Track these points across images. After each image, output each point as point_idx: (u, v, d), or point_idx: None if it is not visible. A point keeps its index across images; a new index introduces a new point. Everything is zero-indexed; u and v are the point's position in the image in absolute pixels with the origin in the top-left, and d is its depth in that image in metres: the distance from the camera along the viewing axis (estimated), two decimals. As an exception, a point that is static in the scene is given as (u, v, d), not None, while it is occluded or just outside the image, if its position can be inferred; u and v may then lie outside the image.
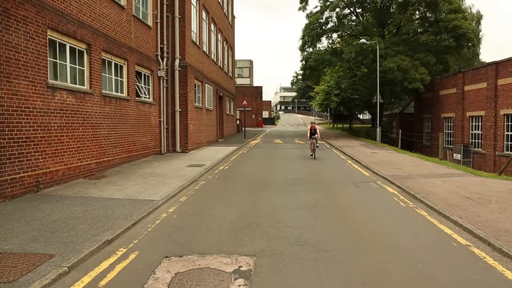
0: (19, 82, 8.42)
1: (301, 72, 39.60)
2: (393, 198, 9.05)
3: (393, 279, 4.65)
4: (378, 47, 25.97)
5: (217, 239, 5.98)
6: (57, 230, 6.07)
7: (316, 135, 16.96)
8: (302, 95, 78.67)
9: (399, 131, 25.37)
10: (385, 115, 40.09)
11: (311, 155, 17.01)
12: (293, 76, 66.45)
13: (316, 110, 78.83)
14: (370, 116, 47.69)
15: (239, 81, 58.60)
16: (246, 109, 32.00)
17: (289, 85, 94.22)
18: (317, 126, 17.55)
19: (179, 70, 17.92)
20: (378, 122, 27.00)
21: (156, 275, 4.68)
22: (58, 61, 10.06)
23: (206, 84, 22.90)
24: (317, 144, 17.31)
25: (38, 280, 4.33)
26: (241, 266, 4.93)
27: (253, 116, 53.37)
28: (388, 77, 26.56)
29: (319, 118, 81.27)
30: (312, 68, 32.92)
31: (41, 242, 5.52)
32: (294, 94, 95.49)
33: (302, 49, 34.45)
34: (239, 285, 4.40)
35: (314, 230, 6.48)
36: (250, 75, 73.82)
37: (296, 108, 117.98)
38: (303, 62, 33.52)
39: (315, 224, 6.82)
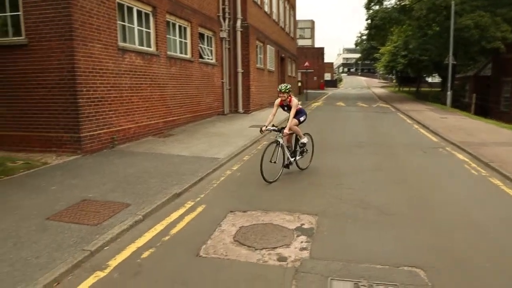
0: (93, 45, 8.91)
1: (366, 32, 37.67)
2: (464, 166, 8.59)
3: (462, 252, 4.51)
4: (453, 2, 23.87)
5: (279, 197, 6.13)
6: (131, 183, 6.55)
7: (293, 123, 7.29)
8: (366, 57, 75.30)
9: (473, 95, 23.66)
10: (457, 78, 37.31)
11: (272, 161, 6.80)
12: (357, 37, 63.37)
13: (380, 72, 75.42)
14: (439, 79, 44.74)
15: (300, 42, 57.26)
16: (307, 71, 31.43)
17: (353, 46, 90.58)
18: (294, 100, 7.32)
19: (240, 31, 17.87)
20: (449, 85, 25.28)
21: (221, 228, 4.93)
22: (126, 24, 10.45)
23: (268, 45, 22.68)
24: (303, 142, 7.66)
25: (117, 225, 4.77)
26: (303, 224, 5.04)
27: (315, 78, 52.26)
28: (463, 36, 24.44)
29: (383, 81, 77.79)
30: (378, 28, 31.20)
31: (119, 192, 6.01)
32: (357, 55, 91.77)
33: (367, 7, 32.57)
34: (302, 242, 4.52)
35: (377, 193, 6.40)
36: (312, 36, 71.72)
37: (359, 71, 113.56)
38: (369, 21, 31.79)
39: (378, 188, 6.72)
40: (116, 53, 9.73)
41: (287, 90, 7.14)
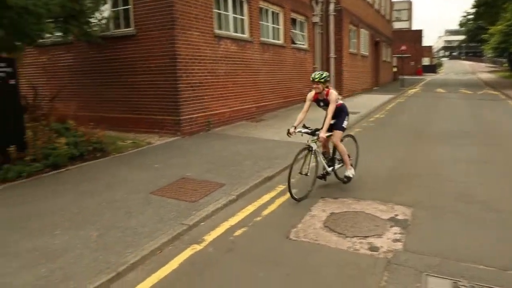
0: (191, 33, 9.40)
1: (473, 10, 34.15)
2: None
3: None
4: None
5: (372, 186, 5.95)
6: (226, 164, 6.86)
7: (337, 136, 5.72)
8: (471, 39, 68.26)
9: None
10: None
11: (303, 173, 5.41)
12: (462, 17, 57.87)
13: (488, 55, 67.99)
14: None
15: (396, 25, 53.93)
16: (404, 55, 29.63)
17: (456, 28, 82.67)
18: (333, 93, 5.52)
19: (333, 15, 17.43)
20: None
21: (312, 212, 4.94)
22: (222, 12, 10.81)
23: (362, 29, 21.82)
24: (347, 176, 5.88)
25: (213, 203, 5.04)
26: (397, 215, 4.83)
27: (412, 63, 49.07)
28: None
29: (492, 65, 70.12)
30: (488, 4, 28.15)
31: (214, 173, 6.34)
32: (461, 37, 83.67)
33: (477, -19, 29.51)
34: (395, 233, 4.34)
35: (482, 187, 5.86)
36: (409, 18, 67.03)
37: (463, 54, 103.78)
38: (478, -3, 28.78)
39: (484, 181, 6.14)
40: (212, 40, 10.15)
41: (322, 80, 5.33)
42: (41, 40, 8.47)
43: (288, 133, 5.40)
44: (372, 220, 4.69)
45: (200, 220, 4.58)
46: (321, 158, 5.68)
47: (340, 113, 5.68)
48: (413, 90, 25.27)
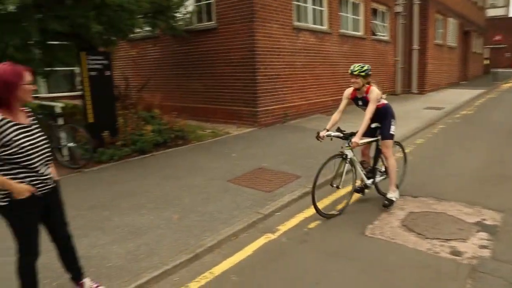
0: (271, 26, 9.48)
1: None
2: None
3: None
4: None
5: (456, 186, 5.57)
6: (302, 157, 6.87)
7: (389, 132, 4.80)
8: None
9: None
10: None
11: (334, 185, 4.76)
12: None
13: None
14: None
15: (490, 12, 49.36)
16: (498, 46, 27.06)
17: None
18: (374, 90, 4.61)
19: (419, 4, 16.43)
20: None
21: (390, 210, 4.78)
22: (301, 3, 10.73)
23: (449, 18, 20.32)
24: (389, 198, 4.78)
25: (288, 194, 5.10)
26: (485, 220, 4.48)
27: (507, 54, 44.64)
28: None
29: None
30: None
31: (290, 165, 6.39)
32: None
33: None
34: (482, 239, 4.03)
35: None
36: (507, 4, 60.92)
37: None
38: None
39: None
40: (291, 32, 10.15)
41: (362, 73, 4.47)
42: (132, 35, 9.11)
43: (318, 136, 4.65)
44: (455, 223, 4.41)
45: (275, 210, 4.66)
46: (358, 168, 4.86)
47: (385, 115, 4.77)
48: (508, 85, 23.02)
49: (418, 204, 4.95)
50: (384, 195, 4.95)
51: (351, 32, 13.16)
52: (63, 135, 6.55)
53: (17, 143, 2.49)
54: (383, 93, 4.85)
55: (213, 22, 9.86)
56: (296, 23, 10.41)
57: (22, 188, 2.53)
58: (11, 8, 5.00)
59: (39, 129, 2.71)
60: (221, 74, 9.83)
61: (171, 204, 4.86)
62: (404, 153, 5.59)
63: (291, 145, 7.76)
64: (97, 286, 3.10)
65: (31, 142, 2.58)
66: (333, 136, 4.60)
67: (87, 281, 3.10)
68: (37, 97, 8.84)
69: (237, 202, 4.89)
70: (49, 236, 2.92)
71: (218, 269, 3.53)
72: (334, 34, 11.98)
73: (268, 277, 3.38)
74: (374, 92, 4.56)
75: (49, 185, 2.73)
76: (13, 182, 2.50)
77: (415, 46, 16.67)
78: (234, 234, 4.13)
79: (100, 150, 6.73)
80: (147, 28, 8.88)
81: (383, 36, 15.47)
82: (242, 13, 9.18)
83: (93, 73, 6.72)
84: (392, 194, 4.80)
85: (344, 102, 4.87)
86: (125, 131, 7.12)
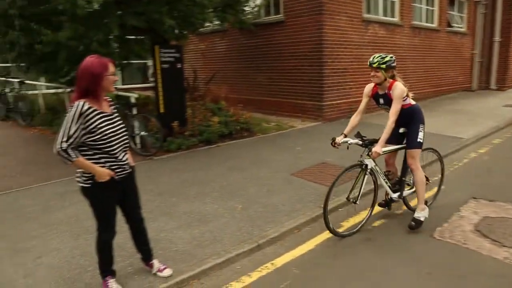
0: (339, 18, 9.27)
1: None
2: None
3: None
4: None
5: (539, 192, 5.13)
6: (366, 153, 6.70)
7: (416, 140, 4.05)
8: None
9: None
10: None
11: (351, 200, 4.07)
12: None
13: None
14: None
15: None
16: None
17: None
18: (398, 86, 3.86)
19: (504, -8, 15.12)
20: None
21: (461, 213, 4.52)
22: (371, -6, 10.38)
23: (540, 8, 18.46)
24: (417, 217, 4.10)
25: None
26: None
27: None
28: None
29: None
30: None
31: (354, 161, 6.22)
32: None
33: None
34: None
35: None
36: None
37: None
38: None
39: None
40: (360, 24, 9.86)
41: (382, 65, 3.74)
42: (201, 29, 9.40)
43: (333, 143, 3.98)
44: (538, 231, 4.07)
45: (338, 206, 4.60)
46: (382, 179, 4.15)
47: (412, 118, 4.03)
48: None
49: (495, 208, 4.62)
50: (411, 210, 4.38)
51: (424, 24, 12.48)
52: (136, 124, 6.97)
53: (101, 130, 2.69)
54: (411, 94, 4.05)
55: (280, 15, 9.86)
56: (366, 15, 10.09)
57: (103, 172, 2.73)
58: (96, 6, 5.39)
59: (119, 118, 2.91)
60: (287, 67, 9.82)
61: (235, 194, 4.99)
62: (442, 163, 4.85)
63: (356, 140, 7.58)
64: (165, 268, 3.28)
65: (113, 129, 2.77)
66: (351, 143, 3.89)
67: (155, 262, 3.30)
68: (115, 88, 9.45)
69: (300, 195, 4.90)
70: (124, 218, 3.14)
71: (279, 261, 3.57)
72: (405, 26, 11.44)
73: (328, 273, 3.36)
74: (398, 89, 3.80)
75: (126, 170, 2.92)
76: (96, 166, 2.71)
77: (497, 38, 15.39)
78: (296, 227, 4.14)
79: (169, 139, 7.06)
80: (216, 22, 9.11)
81: (459, 27, 14.48)
82: (310, 6, 9.08)
83: (165, 65, 7.05)
84: (420, 214, 4.05)
85: (364, 101, 4.15)
86: (193, 122, 7.40)
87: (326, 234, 4.04)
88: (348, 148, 3.94)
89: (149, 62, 16.98)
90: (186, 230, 4.04)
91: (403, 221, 4.33)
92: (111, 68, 2.72)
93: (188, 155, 6.85)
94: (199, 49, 12.68)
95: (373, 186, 4.29)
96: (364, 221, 4.18)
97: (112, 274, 3.07)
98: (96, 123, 2.68)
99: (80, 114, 2.61)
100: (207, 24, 8.99)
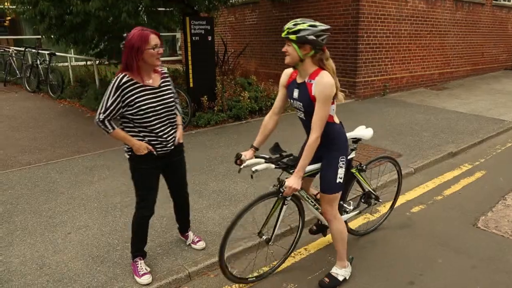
0: (378, -11, 8.75)
1: None
2: None
3: None
4: None
5: None
6: (402, 133, 6.38)
7: (334, 179, 2.66)
8: None
9: None
10: None
11: (264, 236, 2.89)
12: None
13: None
14: None
15: None
16: None
17: None
18: (324, 76, 2.39)
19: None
20: None
21: (507, 201, 4.22)
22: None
23: None
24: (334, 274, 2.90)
25: (388, 173, 4.72)
26: None
27: None
28: None
29: None
30: None
31: (390, 141, 5.97)
32: None
33: None
34: None
35: None
36: None
37: None
38: None
39: None
40: (398, -3, 9.30)
41: (292, 36, 2.39)
42: (232, 0, 9.08)
43: (238, 160, 2.70)
44: None
45: (384, 184, 4.37)
46: (310, 205, 2.95)
47: (328, 144, 2.64)
48: None
49: (545, 197, 4.29)
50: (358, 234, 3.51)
51: (467, -3, 11.70)
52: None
53: (139, 104, 2.60)
54: (341, 96, 2.57)
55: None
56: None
57: (141, 146, 2.67)
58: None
59: (168, 92, 2.78)
60: (319, 41, 9.42)
61: (266, 173, 4.78)
62: (400, 176, 3.68)
63: (391, 119, 7.24)
64: (199, 240, 3.29)
65: (153, 104, 2.66)
66: (258, 170, 2.53)
67: (190, 234, 3.33)
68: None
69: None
70: (169, 191, 3.10)
71: (312, 247, 3.42)
72: (447, 0, 10.73)
73: (367, 262, 3.18)
74: (325, 80, 2.39)
75: (169, 147, 2.82)
76: (133, 139, 2.67)
77: (547, 12, 14.32)
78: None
79: (198, 114, 6.93)
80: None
81: (507, 1, 13.52)
82: (346, -24, 8.60)
83: (195, 38, 6.84)
84: (339, 271, 2.91)
85: (280, 94, 2.78)
86: (222, 97, 7.22)
87: (363, 220, 3.84)
88: (252, 177, 2.71)
89: (178, 35, 16.83)
90: (216, 210, 3.92)
91: (444, 208, 4.07)
92: (153, 41, 2.57)
93: (217, 131, 6.70)
94: (228, 21, 12.36)
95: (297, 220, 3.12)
96: (282, 260, 3.09)
97: (143, 255, 3.01)
98: (134, 96, 2.59)
99: (118, 87, 2.55)
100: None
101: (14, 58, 11.21)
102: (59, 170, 5.02)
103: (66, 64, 10.61)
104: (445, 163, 5.32)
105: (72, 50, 10.44)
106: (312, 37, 2.36)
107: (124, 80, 2.56)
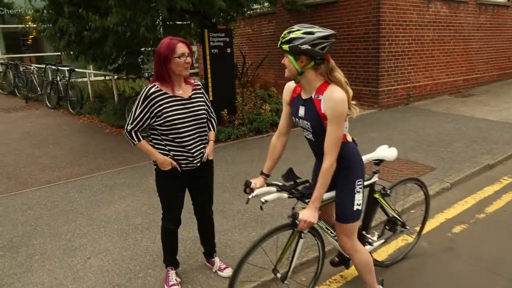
0: (400, -5, 8.51)
1: None
2: None
3: None
4: None
5: None
6: (432, 144, 6.07)
7: (351, 207, 2.33)
8: None
9: None
10: None
11: (279, 273, 2.49)
12: None
13: None
14: None
15: None
16: None
17: None
18: (335, 91, 2.05)
19: None
20: None
21: (556, 218, 3.88)
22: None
23: None
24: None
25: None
26: None
27: None
28: None
29: None
30: None
31: (420, 153, 5.67)
32: None
33: None
34: None
35: None
36: None
37: None
38: None
39: None
40: (421, 2, 9.03)
41: (285, 46, 2.07)
42: (250, 12, 8.96)
43: (247, 188, 2.43)
44: None
45: (409, 207, 4.09)
46: (330, 236, 2.58)
47: (342, 168, 2.28)
48: None
49: None
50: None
51: (492, 0, 11.32)
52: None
53: (166, 115, 2.50)
54: (356, 110, 2.20)
55: (332, -5, 9.22)
56: (424, -8, 9.23)
57: (164, 161, 2.57)
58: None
59: (198, 104, 2.64)
60: (341, 51, 9.19)
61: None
62: (427, 198, 3.26)
63: (418, 130, 6.93)
64: (225, 267, 3.05)
65: (181, 116, 2.54)
66: (267, 201, 2.20)
67: (217, 260, 3.11)
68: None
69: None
70: (193, 208, 2.97)
71: (349, 273, 3.16)
72: (470, 3, 10.40)
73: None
74: (337, 96, 2.04)
75: (195, 163, 2.67)
76: (157, 152, 2.58)
77: None
78: (362, 231, 3.69)
79: (218, 128, 6.75)
80: (266, 4, 8.63)
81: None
82: (366, -16, 8.39)
83: (214, 50, 6.70)
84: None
85: (284, 112, 2.44)
86: (243, 110, 7.04)
87: (401, 242, 3.55)
88: (262, 209, 2.22)
89: (194, 48, 16.85)
90: (242, 232, 3.70)
91: (489, 227, 3.76)
92: (180, 49, 2.45)
93: (238, 145, 6.51)
94: (245, 33, 12.25)
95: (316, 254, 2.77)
96: None
97: (174, 265, 2.95)
98: (162, 107, 2.49)
99: (146, 98, 2.49)
100: (255, 6, 8.52)
101: (35, 75, 11.31)
102: (78, 189, 4.89)
103: (85, 79, 10.63)
104: (482, 177, 4.99)
105: (91, 66, 10.47)
106: (306, 46, 2.00)
107: (152, 90, 2.49)
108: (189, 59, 2.50)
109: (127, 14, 5.51)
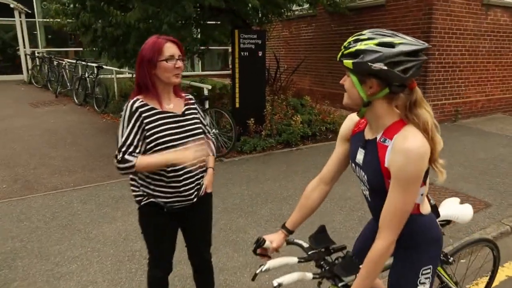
0: (454, 1, 7.67)
1: None
2: None
3: None
4: None
5: None
6: (485, 172, 5.25)
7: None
8: None
9: None
10: None
11: None
12: None
13: None
14: None
15: None
16: None
17: None
18: (415, 146, 1.29)
19: None
20: None
21: None
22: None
23: None
24: None
25: (477, 231, 3.71)
26: None
27: None
28: None
29: None
30: None
31: (471, 183, 4.88)
32: None
33: None
34: None
35: None
36: None
37: None
38: None
39: None
40: (479, 9, 8.13)
41: (347, 60, 1.38)
42: (288, 13, 8.37)
43: (258, 247, 1.67)
44: None
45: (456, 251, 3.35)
46: None
47: (409, 247, 1.56)
48: None
49: None
50: None
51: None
52: (207, 120, 6.20)
53: (157, 135, 1.92)
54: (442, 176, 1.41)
55: (381, -2, 8.47)
56: (487, -2, 8.31)
57: (184, 156, 1.90)
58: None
59: (194, 122, 2.08)
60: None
61: (321, 216, 3.89)
62: (496, 262, 2.49)
63: (469, 153, 6.09)
64: None
65: (175, 136, 1.96)
66: (287, 282, 1.54)
67: None
68: (187, 76, 8.89)
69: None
70: (187, 251, 2.34)
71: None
72: (534, 13, 9.34)
73: None
74: (409, 146, 1.31)
75: (189, 198, 2.06)
76: (164, 153, 1.91)
77: None
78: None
79: (243, 138, 6.20)
80: (306, 6, 8.01)
81: None
82: (417, -13, 7.60)
83: (244, 53, 6.15)
84: None
85: (337, 152, 1.71)
86: (271, 120, 6.46)
87: None
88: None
89: (230, 48, 16.49)
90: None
91: None
92: (169, 50, 1.88)
93: (263, 159, 5.93)
94: (282, 36, 11.66)
95: None
96: None
97: None
98: (151, 125, 1.92)
99: (132, 114, 1.91)
100: (294, 8, 7.92)
101: (66, 70, 11.21)
102: (83, 199, 4.47)
103: (111, 76, 10.38)
104: (549, 218, 4.16)
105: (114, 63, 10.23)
106: (380, 65, 1.29)
107: (136, 105, 1.92)
108: (180, 63, 1.93)
109: (150, 9, 5.07)
